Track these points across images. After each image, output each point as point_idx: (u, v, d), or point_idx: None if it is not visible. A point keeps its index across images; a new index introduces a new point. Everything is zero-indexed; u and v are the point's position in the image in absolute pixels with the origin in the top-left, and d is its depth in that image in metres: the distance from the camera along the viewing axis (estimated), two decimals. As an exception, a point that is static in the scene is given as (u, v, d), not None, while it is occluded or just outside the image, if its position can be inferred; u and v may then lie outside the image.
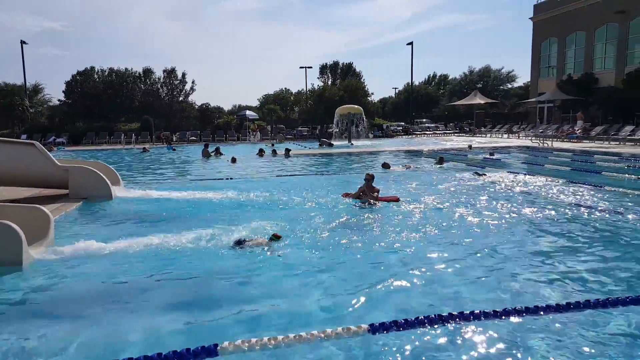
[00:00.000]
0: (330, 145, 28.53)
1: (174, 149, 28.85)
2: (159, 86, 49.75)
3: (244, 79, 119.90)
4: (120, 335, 4.09)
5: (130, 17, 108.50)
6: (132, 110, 47.97)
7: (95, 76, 48.41)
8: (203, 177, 14.96)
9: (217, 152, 23.03)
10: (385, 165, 15.74)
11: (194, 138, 38.79)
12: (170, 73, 49.63)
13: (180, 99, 50.29)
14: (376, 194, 9.73)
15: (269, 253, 6.27)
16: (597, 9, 35.24)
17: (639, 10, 32.05)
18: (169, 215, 9.04)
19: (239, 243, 6.49)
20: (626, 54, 33.34)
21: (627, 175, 13.51)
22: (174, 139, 39.12)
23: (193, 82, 50.55)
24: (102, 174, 10.65)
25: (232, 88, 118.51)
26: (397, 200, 9.75)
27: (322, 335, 3.81)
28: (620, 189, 10.74)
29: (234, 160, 19.91)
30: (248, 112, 45.17)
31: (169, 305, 4.82)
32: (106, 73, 48.61)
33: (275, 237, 6.66)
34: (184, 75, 50.01)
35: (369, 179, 9.93)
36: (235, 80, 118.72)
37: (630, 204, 9.26)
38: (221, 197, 10.66)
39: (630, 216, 8.17)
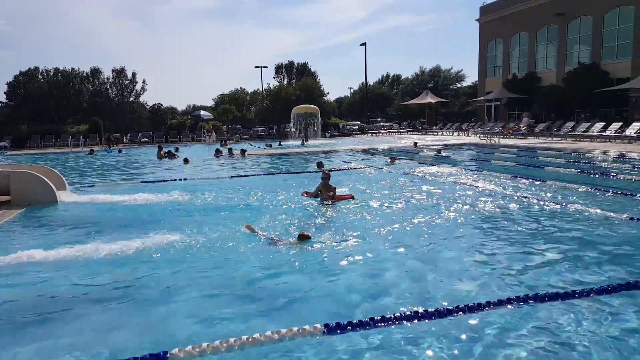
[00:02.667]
0: (280, 144, 29.23)
1: (110, 151, 28.95)
2: (107, 86, 48.00)
3: (198, 79, 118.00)
4: (63, 348, 3.93)
5: (75, 15, 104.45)
6: (81, 111, 46.09)
7: (40, 77, 46.17)
8: (155, 179, 14.58)
9: (170, 153, 22.35)
10: (320, 165, 15.69)
11: (146, 140, 37.69)
12: (119, 73, 47.97)
13: (131, 99, 48.73)
14: (332, 192, 9.81)
15: (292, 252, 6.26)
16: (539, 11, 36.89)
17: (576, 12, 33.80)
18: (117, 220, 8.73)
19: (272, 242, 6.60)
20: (566, 54, 35.07)
21: (567, 169, 14.28)
22: (125, 140, 37.95)
23: (144, 81, 49.15)
24: (45, 179, 10.20)
25: (186, 88, 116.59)
26: (352, 197, 9.89)
27: (277, 337, 3.79)
28: (562, 182, 11.30)
29: (186, 161, 19.49)
30: (203, 113, 44.41)
31: (117, 314, 4.68)
32: (51, 73, 46.42)
33: (304, 237, 6.60)
34: (134, 74, 48.49)
35: (325, 177, 10.01)
36: (188, 80, 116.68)
37: (570, 196, 9.75)
38: (174, 199, 10.41)
39: (570, 207, 8.60)
